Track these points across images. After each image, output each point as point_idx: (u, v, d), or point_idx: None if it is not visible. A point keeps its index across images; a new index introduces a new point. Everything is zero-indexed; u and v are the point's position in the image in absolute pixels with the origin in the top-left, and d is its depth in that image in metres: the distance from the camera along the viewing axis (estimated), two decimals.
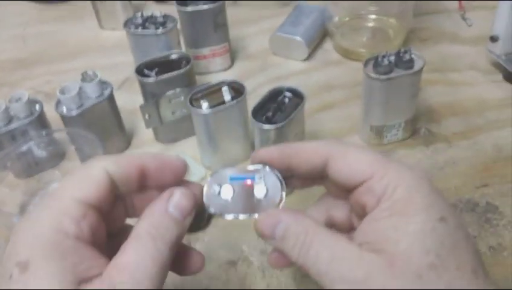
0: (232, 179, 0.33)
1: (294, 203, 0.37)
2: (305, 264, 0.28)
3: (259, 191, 0.32)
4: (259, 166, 0.33)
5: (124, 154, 0.31)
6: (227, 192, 0.32)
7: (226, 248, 0.49)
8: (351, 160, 0.31)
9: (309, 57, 0.73)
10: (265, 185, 0.32)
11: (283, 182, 0.32)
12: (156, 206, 0.30)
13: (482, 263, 0.28)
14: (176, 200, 0.30)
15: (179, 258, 0.31)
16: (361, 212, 0.31)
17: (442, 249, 0.26)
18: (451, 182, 0.53)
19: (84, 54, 0.80)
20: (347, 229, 0.34)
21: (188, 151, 0.60)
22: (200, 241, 0.49)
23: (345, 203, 0.34)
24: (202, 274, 0.46)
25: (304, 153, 0.32)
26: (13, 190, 0.57)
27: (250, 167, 0.33)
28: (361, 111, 0.57)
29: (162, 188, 0.31)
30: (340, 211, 0.34)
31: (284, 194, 0.32)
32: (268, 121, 0.50)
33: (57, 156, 0.60)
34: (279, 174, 0.33)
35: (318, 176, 0.33)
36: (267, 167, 0.33)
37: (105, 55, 0.79)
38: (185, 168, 0.32)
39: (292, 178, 0.34)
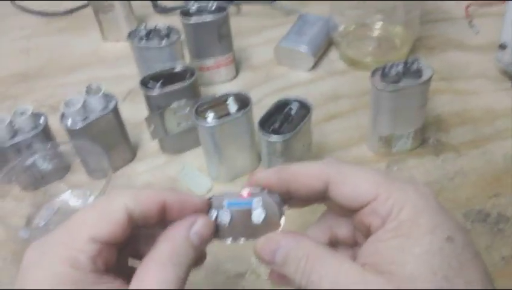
0: (229, 204, 0.32)
1: (294, 216, 0.36)
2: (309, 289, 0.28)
3: (258, 216, 0.31)
4: (257, 189, 0.32)
5: (145, 189, 0.31)
6: (224, 218, 0.32)
7: (234, 260, 0.48)
8: (354, 183, 0.30)
9: (314, 66, 0.73)
10: (263, 210, 0.31)
11: (282, 206, 0.32)
12: (178, 231, 0.30)
13: (492, 281, 0.27)
14: (198, 228, 0.30)
15: None
16: (366, 232, 0.30)
17: (450, 271, 0.25)
18: (462, 193, 0.52)
19: (88, 66, 0.80)
20: (351, 245, 0.34)
21: (194, 162, 0.59)
22: (208, 254, 0.48)
23: (348, 220, 0.33)
24: (211, 286, 0.46)
25: (303, 177, 0.31)
26: (20, 202, 0.57)
27: (248, 191, 0.32)
28: (370, 121, 0.57)
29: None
30: (343, 228, 0.33)
31: (283, 218, 0.31)
32: (275, 132, 0.49)
33: (63, 169, 0.60)
34: (277, 198, 0.32)
35: (319, 197, 0.32)
36: (265, 191, 0.32)
37: (109, 66, 0.79)
38: (206, 208, 0.32)
39: (291, 199, 0.33)
